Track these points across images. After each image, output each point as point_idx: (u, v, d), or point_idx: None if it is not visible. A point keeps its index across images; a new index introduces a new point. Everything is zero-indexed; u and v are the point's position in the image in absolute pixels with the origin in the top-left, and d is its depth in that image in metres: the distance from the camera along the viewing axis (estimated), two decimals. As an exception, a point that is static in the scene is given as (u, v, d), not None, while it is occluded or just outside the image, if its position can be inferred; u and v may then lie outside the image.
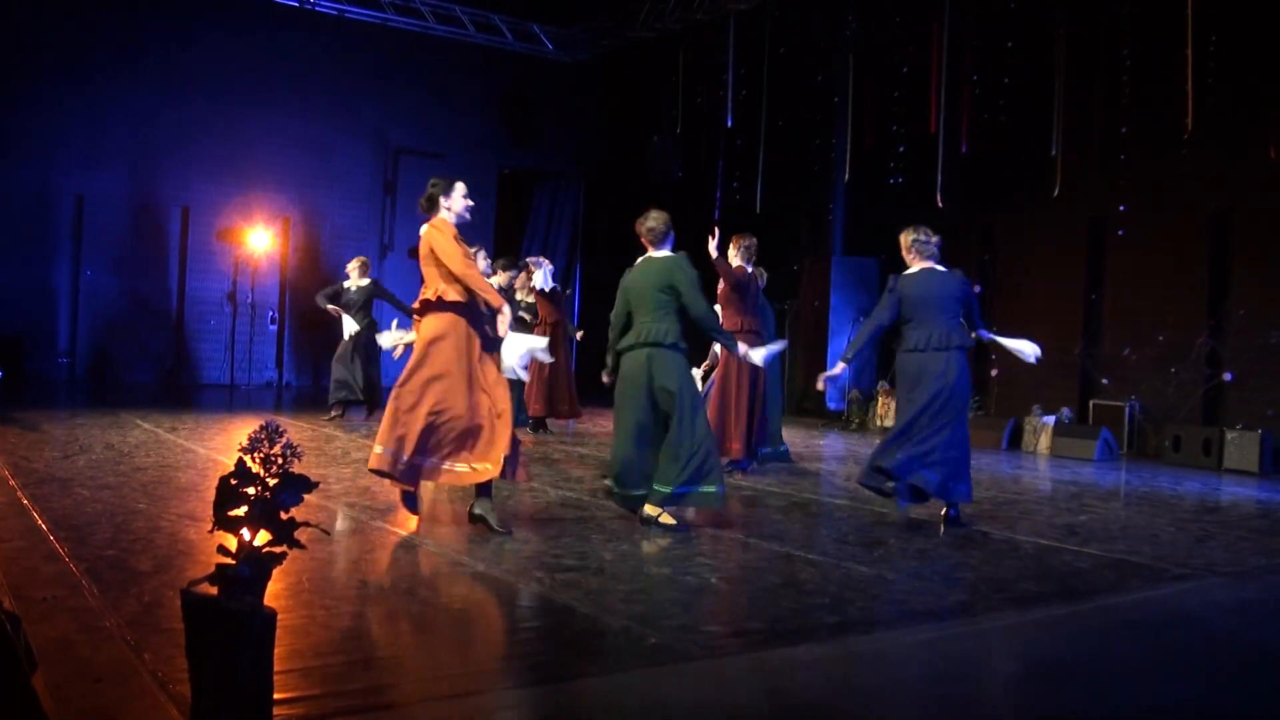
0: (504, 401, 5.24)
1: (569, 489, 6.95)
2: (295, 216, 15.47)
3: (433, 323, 5.29)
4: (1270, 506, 7.66)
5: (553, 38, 16.55)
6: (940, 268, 6.13)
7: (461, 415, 5.18)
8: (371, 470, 5.35)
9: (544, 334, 10.00)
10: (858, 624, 4.02)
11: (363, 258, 10.85)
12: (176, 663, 2.91)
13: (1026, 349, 6.41)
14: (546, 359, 6.35)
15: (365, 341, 10.38)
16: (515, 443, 5.26)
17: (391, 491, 5.76)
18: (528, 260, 10.97)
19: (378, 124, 16.06)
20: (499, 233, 16.64)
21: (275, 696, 2.75)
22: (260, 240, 14.72)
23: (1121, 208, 11.35)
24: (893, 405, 12.24)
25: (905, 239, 6.20)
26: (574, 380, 10.84)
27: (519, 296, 10.36)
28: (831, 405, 13.53)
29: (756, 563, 4.98)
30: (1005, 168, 12.20)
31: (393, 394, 5.27)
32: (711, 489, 5.58)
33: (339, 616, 3.76)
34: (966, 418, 6.18)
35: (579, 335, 11.68)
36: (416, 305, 5.45)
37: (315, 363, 15.43)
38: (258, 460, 2.73)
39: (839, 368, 6.32)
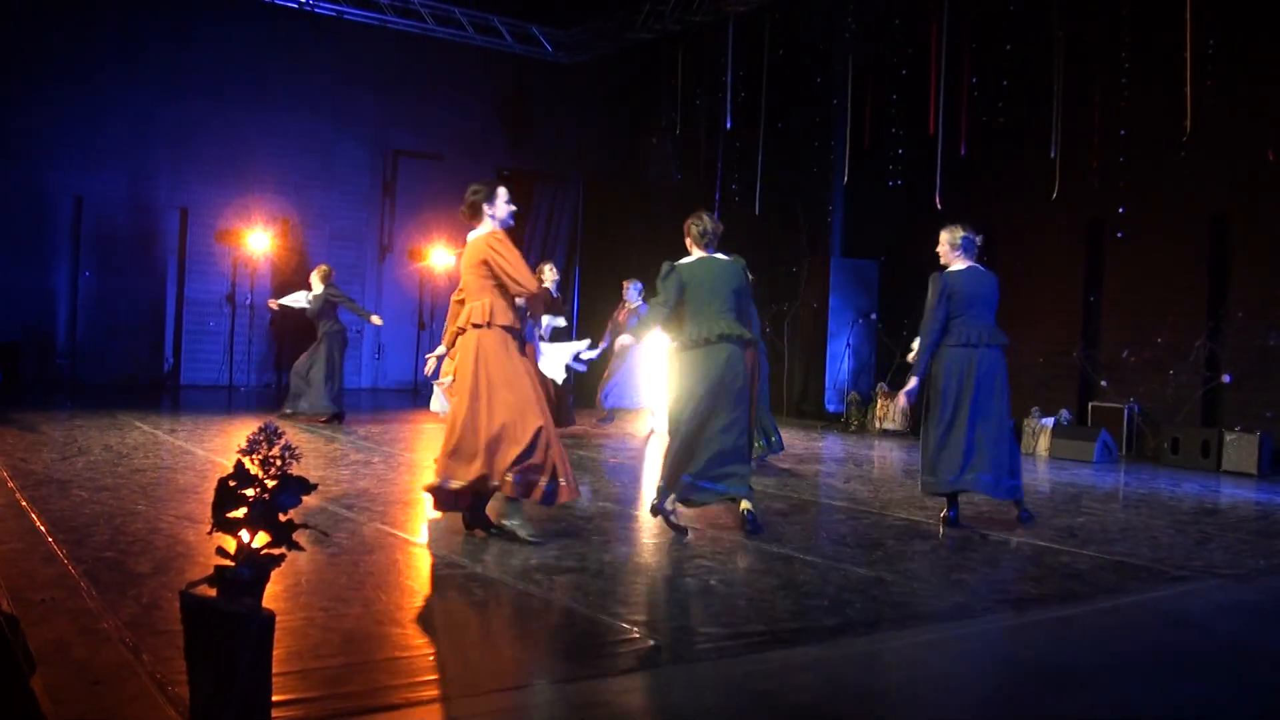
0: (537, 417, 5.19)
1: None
2: (294, 218, 15.47)
3: (487, 340, 5.19)
4: (1269, 508, 7.66)
5: (552, 39, 16.55)
6: (980, 267, 6.25)
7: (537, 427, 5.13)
8: (516, 497, 5.18)
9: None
10: (856, 626, 4.02)
11: (324, 266, 11.10)
12: (175, 665, 2.91)
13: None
14: (593, 355, 6.42)
15: (326, 350, 10.61)
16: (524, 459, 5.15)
17: (391, 491, 5.75)
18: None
19: (377, 125, 16.05)
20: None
21: (274, 698, 2.75)
22: (259, 242, 14.72)
23: (1120, 210, 11.36)
24: (892, 407, 12.25)
25: (952, 236, 6.22)
26: (568, 389, 10.82)
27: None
28: (830, 407, 13.54)
29: (755, 565, 4.98)
30: (1004, 169, 12.21)
31: (470, 424, 5.11)
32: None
33: (338, 618, 3.76)
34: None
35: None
36: (462, 324, 5.27)
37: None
38: (256, 462, 2.73)
39: (913, 382, 6.17)
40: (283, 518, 2.74)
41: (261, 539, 2.71)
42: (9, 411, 9.91)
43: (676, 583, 4.63)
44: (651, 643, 3.64)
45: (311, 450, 8.36)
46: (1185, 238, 10.79)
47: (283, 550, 2.73)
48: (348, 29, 15.09)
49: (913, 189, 12.87)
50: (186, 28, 14.20)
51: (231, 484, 2.72)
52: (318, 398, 10.52)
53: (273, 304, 11.42)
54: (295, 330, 13.17)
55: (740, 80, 14.64)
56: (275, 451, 2.74)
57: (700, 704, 3.23)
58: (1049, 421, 10.87)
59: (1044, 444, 10.76)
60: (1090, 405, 11.35)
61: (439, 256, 15.59)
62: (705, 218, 5.75)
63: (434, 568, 4.74)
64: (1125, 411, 10.95)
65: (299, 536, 2.76)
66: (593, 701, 3.12)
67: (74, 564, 4.30)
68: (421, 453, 8.83)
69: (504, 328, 5.21)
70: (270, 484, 2.73)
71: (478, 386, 5.14)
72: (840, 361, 13.74)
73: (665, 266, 5.69)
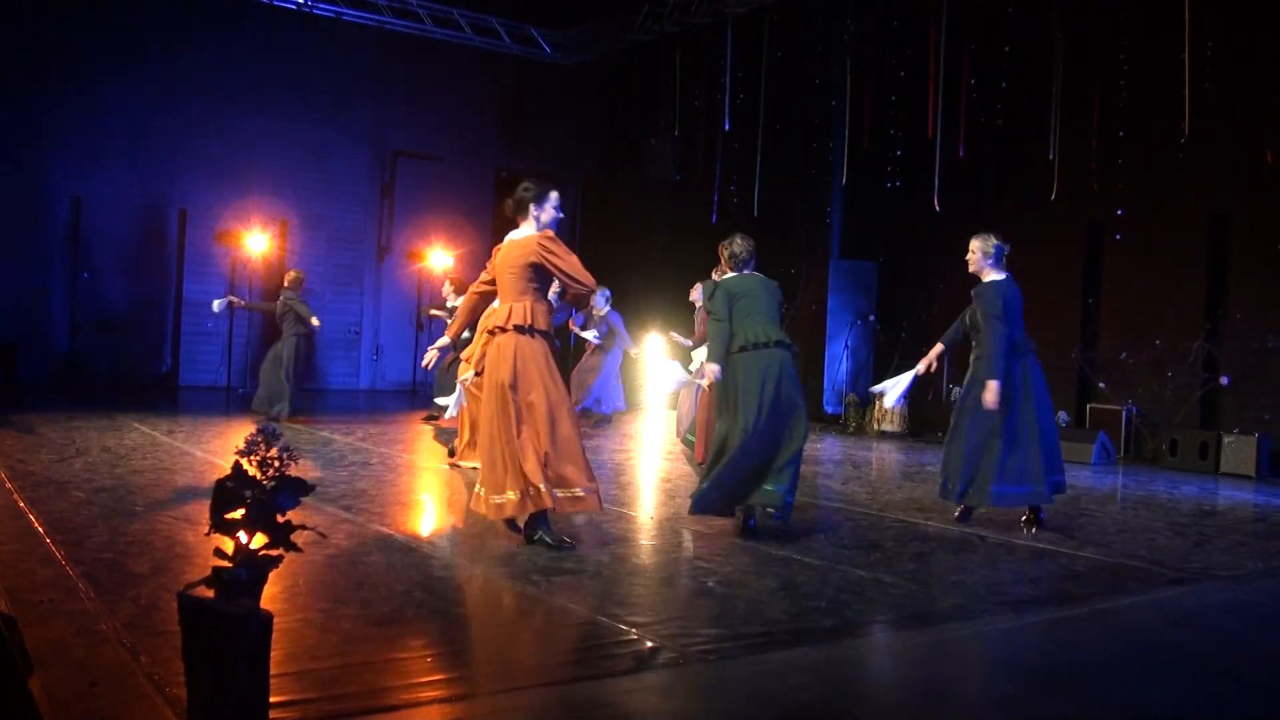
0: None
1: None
2: (293, 219, 15.47)
3: (526, 346, 5.12)
4: (1267, 510, 7.67)
5: (550, 40, 16.56)
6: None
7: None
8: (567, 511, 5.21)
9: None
10: (855, 627, 4.02)
11: (292, 272, 11.50)
12: (173, 666, 2.91)
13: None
14: (694, 379, 6.58)
15: (284, 350, 10.93)
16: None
17: (389, 493, 5.75)
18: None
19: (375, 126, 16.06)
20: (496, 235, 16.62)
21: (272, 699, 2.75)
22: (258, 243, 14.71)
23: (1119, 211, 11.37)
24: (888, 410, 12.24)
25: (985, 245, 6.26)
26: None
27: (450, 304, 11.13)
28: (828, 409, 13.53)
29: (753, 566, 4.98)
30: (1002, 171, 12.21)
31: (510, 434, 5.04)
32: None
33: (335, 620, 3.76)
34: None
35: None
36: (502, 324, 5.16)
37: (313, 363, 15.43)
38: (254, 463, 2.73)
39: (995, 386, 6.06)
40: (280, 519, 2.74)
41: (259, 540, 2.71)
42: (7, 412, 9.90)
43: (675, 584, 4.63)
44: (650, 644, 3.64)
45: (310, 451, 8.36)
46: (1184, 240, 10.79)
47: (280, 551, 2.73)
48: (346, 30, 15.10)
49: (911, 190, 12.87)
50: (185, 29, 14.21)
51: (229, 485, 2.72)
52: (263, 392, 10.90)
53: (235, 300, 12.04)
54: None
55: (739, 81, 14.65)
56: (273, 453, 2.74)
57: (699, 705, 3.23)
58: (1047, 423, 10.86)
59: (1042, 445, 10.74)
60: (1088, 407, 11.35)
61: (437, 258, 15.60)
62: (738, 240, 5.91)
63: (432, 569, 4.73)
64: (1123, 413, 10.96)
65: (296, 538, 2.76)
66: (592, 702, 3.12)
67: (72, 565, 4.30)
68: (420, 454, 8.83)
69: (543, 333, 5.17)
70: (268, 485, 2.73)
71: (515, 392, 5.05)
72: (838, 363, 13.74)
73: (709, 285, 5.84)
